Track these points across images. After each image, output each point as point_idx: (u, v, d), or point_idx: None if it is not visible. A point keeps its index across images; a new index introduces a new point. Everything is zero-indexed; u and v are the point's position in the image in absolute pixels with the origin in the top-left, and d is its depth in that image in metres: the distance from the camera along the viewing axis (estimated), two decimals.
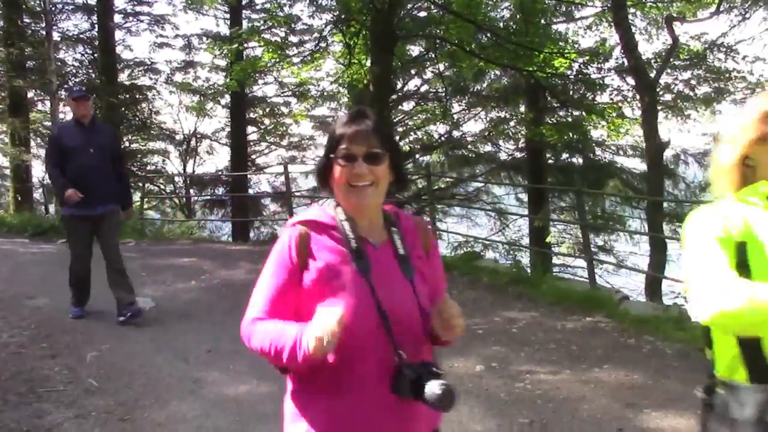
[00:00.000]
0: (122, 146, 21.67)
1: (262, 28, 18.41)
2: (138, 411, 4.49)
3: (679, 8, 14.88)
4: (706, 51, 15.53)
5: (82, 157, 6.15)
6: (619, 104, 16.49)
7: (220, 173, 23.01)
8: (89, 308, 6.79)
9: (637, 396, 4.85)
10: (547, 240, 17.43)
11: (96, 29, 20.85)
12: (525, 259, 15.71)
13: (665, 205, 14.34)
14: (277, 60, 16.83)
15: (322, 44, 16.91)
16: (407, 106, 22.20)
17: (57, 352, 5.46)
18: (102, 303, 7.09)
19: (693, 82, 16.21)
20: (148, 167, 22.95)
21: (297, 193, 19.86)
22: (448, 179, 21.42)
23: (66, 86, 8.17)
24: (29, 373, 4.92)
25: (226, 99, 22.54)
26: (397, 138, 21.39)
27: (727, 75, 15.64)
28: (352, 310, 1.69)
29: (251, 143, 23.47)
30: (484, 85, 19.77)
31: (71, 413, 4.35)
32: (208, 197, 22.78)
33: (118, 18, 21.54)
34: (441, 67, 17.46)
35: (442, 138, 21.45)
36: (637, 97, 14.34)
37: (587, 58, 15.53)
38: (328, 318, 1.65)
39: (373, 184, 1.88)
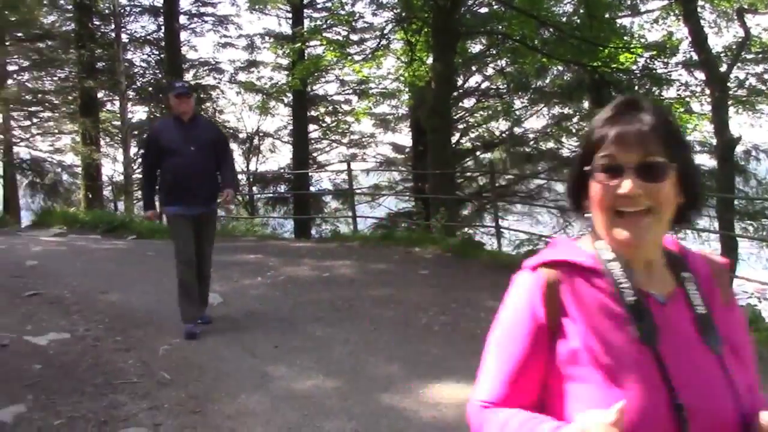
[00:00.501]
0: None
1: (323, 27, 18.58)
2: (209, 404, 4.59)
3: (750, 0, 14.44)
4: None
5: (181, 155, 5.91)
6: (687, 99, 16.09)
7: (282, 171, 23.30)
8: (160, 302, 6.96)
9: None
10: None
11: (162, 30, 21.34)
12: None
13: (736, 202, 13.94)
14: (339, 58, 16.92)
15: (384, 42, 16.95)
16: (468, 102, 22.10)
17: (130, 345, 5.61)
18: (173, 296, 7.27)
19: (766, 75, 15.70)
20: None
21: (358, 191, 19.98)
22: (509, 176, 21.23)
23: (171, 84, 7.73)
24: (105, 366, 5.07)
25: (289, 97, 22.79)
26: (458, 136, 21.35)
27: None
28: (637, 411, 1.18)
29: (313, 141, 23.70)
30: (547, 81, 19.54)
31: (145, 405, 4.47)
32: (271, 195, 23.08)
33: (183, 19, 22.02)
34: (503, 63, 17.30)
35: (504, 135, 21.28)
36: (706, 91, 13.98)
37: (653, 52, 15.20)
38: (598, 426, 1.12)
39: (651, 211, 1.29)
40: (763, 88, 15.96)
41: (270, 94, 22.73)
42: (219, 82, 23.48)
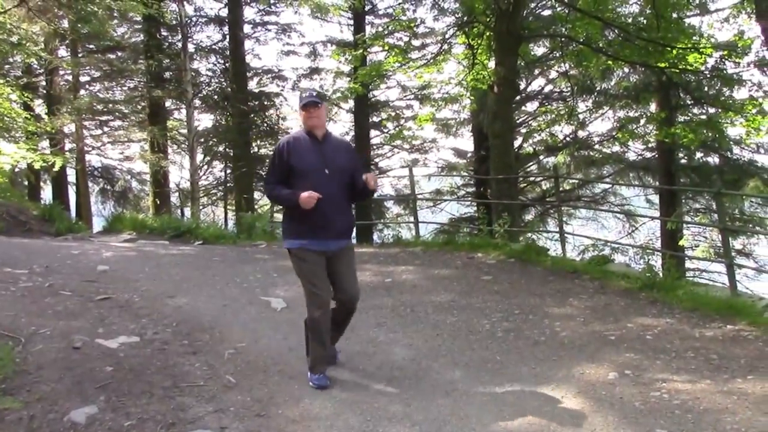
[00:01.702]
0: (253, 152, 22.48)
1: (385, 33, 18.67)
2: (273, 407, 4.63)
3: None
4: None
5: (315, 180, 4.95)
6: (759, 100, 15.58)
7: None
8: (226, 306, 7.08)
9: None
10: (681, 243, 16.71)
11: (227, 40, 21.77)
12: (656, 263, 15.13)
13: None
14: (401, 63, 16.97)
15: (445, 47, 16.92)
16: (531, 106, 21.91)
17: (197, 349, 5.71)
18: (238, 301, 7.38)
19: None
20: None
21: (420, 196, 19.97)
22: (573, 181, 20.94)
23: (301, 92, 6.45)
24: (172, 369, 5.16)
25: (350, 103, 22.97)
26: (521, 140, 21.14)
27: None
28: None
29: (374, 146, 23.82)
30: (612, 84, 19.20)
31: (211, 407, 4.53)
32: None
33: (247, 28, 22.46)
34: (566, 66, 17.08)
35: (568, 138, 21.00)
36: None
37: (724, 52, 14.77)
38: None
39: None
40: None
41: (332, 100, 22.94)
42: (282, 90, 23.82)
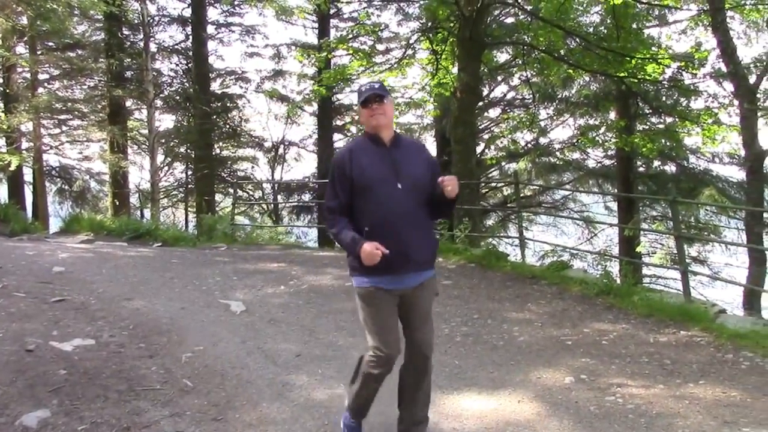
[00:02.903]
0: (215, 153, 22.27)
1: (349, 36, 18.69)
2: (230, 412, 4.60)
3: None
4: None
5: (384, 196, 3.79)
6: (715, 111, 15.92)
7: (307, 180, 23.40)
8: (184, 309, 7.01)
9: (735, 414, 4.66)
10: (638, 250, 16.98)
11: (190, 40, 21.60)
12: (614, 269, 15.36)
13: (766, 215, 13.73)
14: (365, 67, 17.00)
15: (409, 52, 17.00)
16: (493, 113, 22.10)
17: (153, 352, 5.64)
18: (196, 303, 7.32)
19: None
20: (238, 173, 23.57)
21: None
22: (534, 187, 21.15)
23: (360, 86, 3.78)
24: (128, 372, 5.09)
25: (314, 107, 22.93)
26: (483, 146, 21.31)
27: None
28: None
29: (338, 150, 23.79)
30: (573, 92, 19.47)
31: (167, 411, 4.48)
32: (295, 203, 23.20)
33: (211, 29, 22.31)
34: (528, 73, 17.27)
35: (529, 145, 21.21)
36: (735, 103, 13.81)
37: (681, 63, 15.07)
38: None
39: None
40: None
41: (295, 103, 22.87)
42: (245, 91, 23.70)
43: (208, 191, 20.47)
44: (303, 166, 25.59)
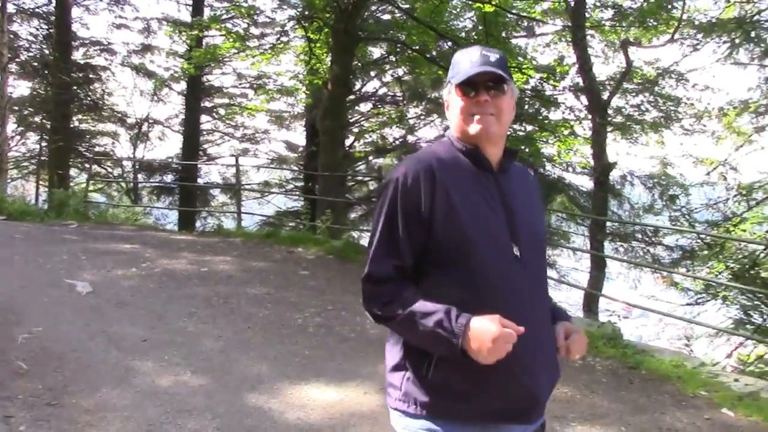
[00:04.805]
0: (73, 126, 21.23)
1: (224, 17, 18.27)
2: (66, 396, 4.42)
3: (635, 33, 15.23)
4: (658, 77, 15.91)
5: (495, 271, 1.93)
6: (572, 123, 16.77)
7: (170, 160, 22.71)
8: (24, 288, 6.65)
9: (565, 409, 4.96)
10: None
11: (53, 4, 20.41)
12: None
13: (608, 224, 14.64)
14: (237, 50, 16.69)
15: (284, 38, 16.85)
16: (365, 107, 22.25)
17: None
18: (39, 283, 6.96)
19: (643, 106, 16.57)
20: (97, 149, 22.56)
21: (246, 186, 19.75)
22: None
23: (457, 52, 1.85)
24: None
25: (182, 86, 22.27)
26: (353, 139, 21.46)
27: (677, 102, 16.05)
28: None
29: (204, 132, 23.23)
30: (442, 93, 19.91)
31: None
32: (156, 184, 22.47)
33: None
34: (400, 71, 17.53)
35: (397, 142, 21.55)
36: (589, 116, 14.62)
37: (544, 75, 15.76)
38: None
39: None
40: (641, 117, 16.82)
41: (163, 79, 22.11)
42: (110, 64, 22.66)
43: (62, 165, 19.41)
44: (167, 145, 24.80)
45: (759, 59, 13.15)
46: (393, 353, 2.02)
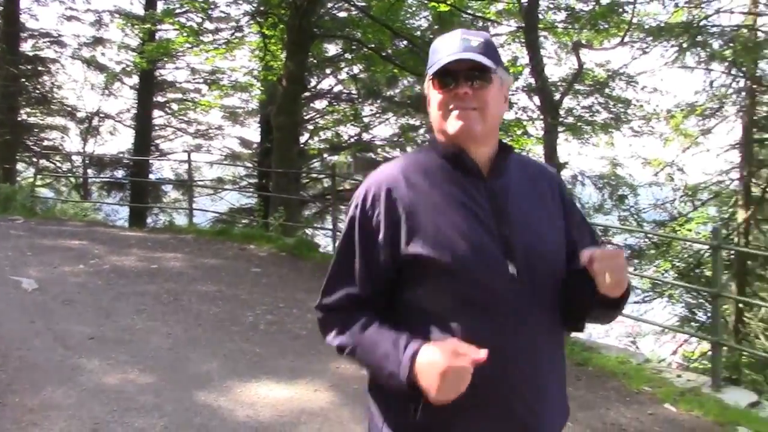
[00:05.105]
0: (21, 119, 20.76)
1: (177, 11, 18.04)
2: (9, 395, 4.34)
3: (587, 36, 15.45)
4: (608, 79, 16.17)
5: (483, 292, 1.65)
6: (524, 123, 16.97)
7: (121, 155, 22.34)
8: None
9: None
10: None
11: None
12: None
13: None
14: (191, 45, 16.49)
15: (239, 34, 16.71)
16: (320, 104, 22.19)
17: None
18: None
19: (594, 108, 16.83)
20: (45, 143, 22.11)
21: (200, 183, 19.56)
22: (354, 181, 21.50)
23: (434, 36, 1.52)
24: None
25: (135, 80, 21.93)
26: (308, 136, 21.41)
27: (627, 103, 16.33)
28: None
29: (157, 127, 22.91)
30: (397, 91, 19.98)
31: None
32: (107, 179, 22.08)
33: None
34: (356, 69, 17.52)
35: (352, 139, 21.55)
36: (541, 117, 14.79)
37: None
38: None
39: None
40: (591, 118, 17.09)
41: (115, 73, 21.75)
42: (60, 56, 22.19)
43: (9, 159, 18.97)
44: (118, 140, 24.37)
45: (705, 63, 13.45)
46: (376, 391, 1.76)
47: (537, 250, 1.70)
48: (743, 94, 14.72)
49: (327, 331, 1.78)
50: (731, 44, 12.07)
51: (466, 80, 1.69)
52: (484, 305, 1.63)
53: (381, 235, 1.68)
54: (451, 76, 1.70)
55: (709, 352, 8.20)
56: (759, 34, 12.85)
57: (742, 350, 11.33)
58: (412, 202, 1.68)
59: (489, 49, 1.73)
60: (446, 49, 1.72)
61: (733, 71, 13.55)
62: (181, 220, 15.34)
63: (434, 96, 1.74)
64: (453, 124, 1.70)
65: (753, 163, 15.04)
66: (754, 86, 14.03)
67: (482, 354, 1.47)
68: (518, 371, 1.64)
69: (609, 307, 1.69)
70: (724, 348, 8.58)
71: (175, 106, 23.32)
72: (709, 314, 11.63)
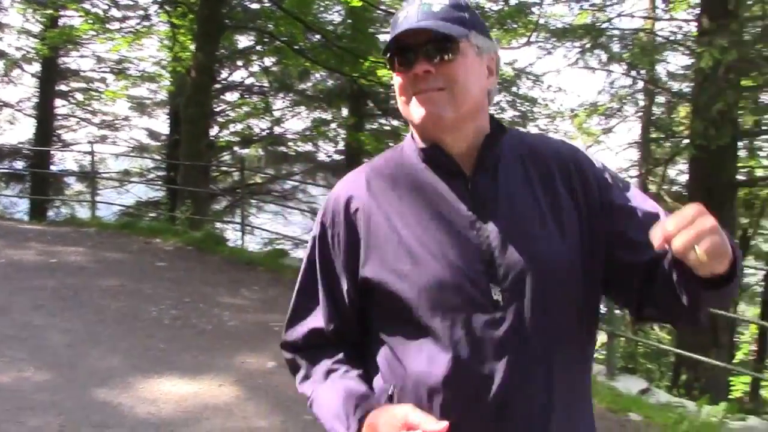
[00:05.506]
0: None
1: None
2: None
3: (495, 35, 15.79)
4: (515, 77, 16.58)
5: (448, 317, 1.29)
6: None
7: (21, 146, 21.45)
8: None
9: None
10: None
11: None
12: None
13: None
14: (96, 32, 15.98)
15: (146, 23, 16.30)
16: (231, 96, 21.90)
17: None
18: None
19: (502, 104, 17.22)
20: None
21: (105, 175, 19.02)
22: (264, 175, 21.34)
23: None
24: None
25: (36, 68, 21.10)
26: (218, 129, 21.09)
27: (533, 102, 16.79)
28: None
29: (59, 117, 22.11)
30: (309, 85, 19.93)
31: None
32: (5, 170, 21.16)
33: None
34: (267, 62, 17.36)
35: (263, 133, 21.37)
36: None
37: None
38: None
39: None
40: (499, 116, 17.49)
41: (14, 61, 20.85)
42: None
43: None
44: (18, 130, 23.41)
45: (606, 64, 13.95)
46: None
47: (533, 267, 1.30)
48: (642, 95, 15.38)
49: (294, 374, 1.53)
50: (630, 47, 12.58)
51: (426, 57, 1.32)
52: (457, 344, 1.27)
53: (341, 257, 1.40)
54: (413, 52, 1.34)
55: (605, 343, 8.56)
56: (656, 37, 13.41)
57: (637, 341, 11.85)
58: (372, 213, 1.36)
59: (456, 11, 1.37)
60: (402, 19, 1.36)
61: (632, 73, 14.11)
62: (84, 213, 14.87)
63: (395, 80, 1.39)
64: (416, 112, 1.35)
65: (650, 161, 15.72)
66: (652, 87, 14.67)
67: (439, 427, 1.19)
68: (507, 413, 1.26)
69: (722, 285, 1.18)
70: (621, 339, 8.94)
71: (79, 96, 22.53)
72: (606, 306, 12.09)
